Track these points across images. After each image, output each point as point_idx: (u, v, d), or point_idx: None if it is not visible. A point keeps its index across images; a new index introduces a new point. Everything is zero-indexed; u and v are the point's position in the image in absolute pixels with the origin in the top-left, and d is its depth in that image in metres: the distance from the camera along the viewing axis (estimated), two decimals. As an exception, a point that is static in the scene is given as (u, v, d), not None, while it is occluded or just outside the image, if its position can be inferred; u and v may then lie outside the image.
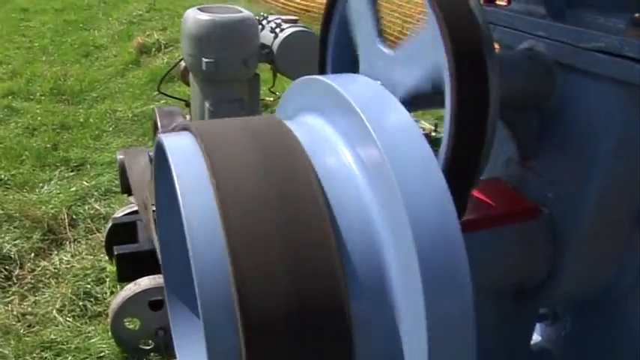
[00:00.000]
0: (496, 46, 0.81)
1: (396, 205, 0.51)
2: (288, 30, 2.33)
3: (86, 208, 3.48)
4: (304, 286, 0.49)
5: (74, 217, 3.38)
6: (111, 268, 2.84)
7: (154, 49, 7.25)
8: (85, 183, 3.77)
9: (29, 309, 2.68)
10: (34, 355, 2.37)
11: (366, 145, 0.55)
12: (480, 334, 0.84)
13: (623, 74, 0.66)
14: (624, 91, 0.66)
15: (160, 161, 0.67)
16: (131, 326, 2.37)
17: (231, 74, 2.26)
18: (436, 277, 0.50)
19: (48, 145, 4.37)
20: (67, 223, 3.30)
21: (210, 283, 0.50)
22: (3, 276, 2.87)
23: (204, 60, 2.19)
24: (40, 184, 3.76)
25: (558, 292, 0.79)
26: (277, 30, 2.34)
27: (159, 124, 2.30)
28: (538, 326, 0.98)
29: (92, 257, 3.03)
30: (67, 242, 3.18)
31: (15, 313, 2.63)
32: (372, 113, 0.56)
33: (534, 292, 0.81)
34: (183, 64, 2.65)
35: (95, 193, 3.65)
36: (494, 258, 0.72)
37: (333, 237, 0.51)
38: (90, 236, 3.24)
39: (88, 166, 4.09)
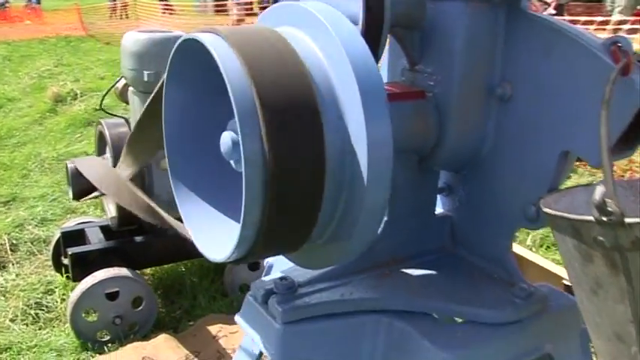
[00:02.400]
0: None
1: (342, 57, 0.87)
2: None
3: (25, 233, 3.61)
4: (290, 85, 0.85)
5: (14, 242, 3.50)
6: (60, 279, 3.00)
7: (69, 98, 7.39)
8: (21, 213, 3.90)
9: None
10: None
11: (321, 33, 0.92)
12: (396, 203, 1.20)
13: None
14: (466, 5, 1.07)
15: (180, 58, 1.00)
16: (89, 319, 2.56)
17: (171, 84, 2.59)
18: (368, 92, 0.86)
19: (-26, 186, 4.46)
20: (8, 248, 3.42)
21: (235, 85, 0.84)
22: (-52, 298, 2.96)
23: (146, 72, 2.50)
24: (-26, 219, 3.86)
25: (445, 153, 1.17)
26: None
27: (107, 132, 2.57)
28: (439, 199, 1.35)
29: (37, 275, 3.16)
30: (10, 264, 3.29)
31: (-34, 328, 2.73)
32: (328, 18, 0.93)
33: (430, 155, 1.18)
34: (119, 85, 2.95)
35: (32, 221, 3.78)
36: (398, 124, 1.08)
37: (308, 74, 0.87)
38: (32, 258, 3.36)
39: (19, 200, 4.21)
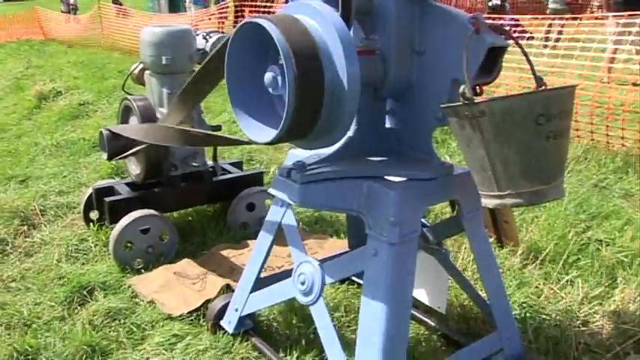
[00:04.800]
0: None
1: (331, 28, 1.68)
2: (215, 36, 3.47)
3: (48, 202, 4.26)
4: (308, 45, 1.64)
5: (42, 208, 4.16)
6: (92, 230, 3.69)
7: (52, 96, 7.97)
8: (41, 186, 4.57)
9: (30, 265, 3.43)
10: (54, 282, 3.18)
11: (319, 17, 1.72)
12: (362, 119, 2.01)
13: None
14: (396, 0, 1.88)
15: (240, 33, 1.78)
16: (127, 250, 3.29)
17: (182, 67, 3.35)
18: (345, 43, 1.67)
19: (-12, 169, 5.07)
20: (38, 212, 4.09)
21: (282, 44, 1.63)
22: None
23: (164, 57, 3.26)
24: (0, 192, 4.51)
25: (388, 86, 1.98)
26: (207, 37, 3.47)
27: (134, 105, 3.30)
28: (387, 118, 2.16)
29: (69, 231, 3.83)
30: (42, 225, 3.96)
31: (20, 269, 3.38)
32: (322, 8, 1.73)
33: (379, 88, 1.99)
34: (137, 70, 3.67)
35: (52, 193, 4.45)
36: (361, 68, 1.89)
37: (313, 39, 1.67)
38: (60, 219, 4.02)
39: (34, 179, 4.86)
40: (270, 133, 1.75)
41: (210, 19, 16.74)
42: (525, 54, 1.90)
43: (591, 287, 2.94)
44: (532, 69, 1.88)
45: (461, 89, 1.64)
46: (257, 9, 12.17)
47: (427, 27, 1.92)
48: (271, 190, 2.05)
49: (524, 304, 2.78)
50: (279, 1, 13.53)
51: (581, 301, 2.83)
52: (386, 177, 1.94)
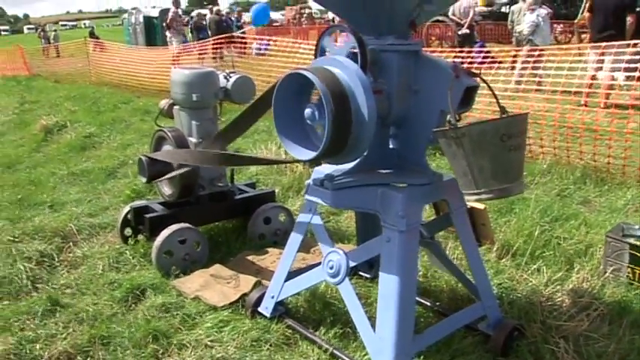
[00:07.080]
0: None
1: (354, 76, 2.35)
2: (235, 76, 4.13)
3: (82, 222, 4.83)
4: (339, 88, 2.30)
5: (77, 228, 4.72)
6: (130, 243, 4.27)
7: (56, 129, 8.52)
8: (73, 209, 5.13)
9: (79, 275, 3.99)
10: (106, 287, 3.75)
11: (345, 68, 2.39)
12: (372, 142, 2.68)
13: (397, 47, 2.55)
14: (397, 54, 2.55)
15: (287, 80, 2.43)
16: (166, 258, 3.87)
17: (208, 102, 3.99)
18: (364, 86, 2.34)
19: (18, 197, 5.60)
20: (75, 231, 4.65)
21: (322, 89, 2.30)
22: (48, 264, 4.17)
23: (194, 95, 3.90)
24: (34, 217, 5.04)
25: (392, 117, 2.65)
26: (228, 77, 4.12)
27: (169, 134, 3.92)
28: (391, 141, 2.83)
29: (106, 246, 4.40)
30: (81, 242, 4.53)
31: (71, 278, 3.93)
32: (346, 62, 2.41)
33: (386, 118, 2.66)
34: (166, 105, 4.30)
35: (84, 215, 5.02)
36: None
37: (342, 84, 2.34)
38: (95, 237, 4.59)
39: (60, 204, 5.40)
40: (310, 153, 2.41)
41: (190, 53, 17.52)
42: (492, 90, 2.59)
43: (554, 272, 3.63)
44: (497, 100, 2.57)
45: (448, 117, 2.32)
46: (235, 47, 13.24)
47: (420, 72, 2.60)
48: (306, 197, 2.70)
49: (500, 286, 3.45)
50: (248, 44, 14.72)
51: (545, 283, 3.50)
52: (393, 184, 2.61)
